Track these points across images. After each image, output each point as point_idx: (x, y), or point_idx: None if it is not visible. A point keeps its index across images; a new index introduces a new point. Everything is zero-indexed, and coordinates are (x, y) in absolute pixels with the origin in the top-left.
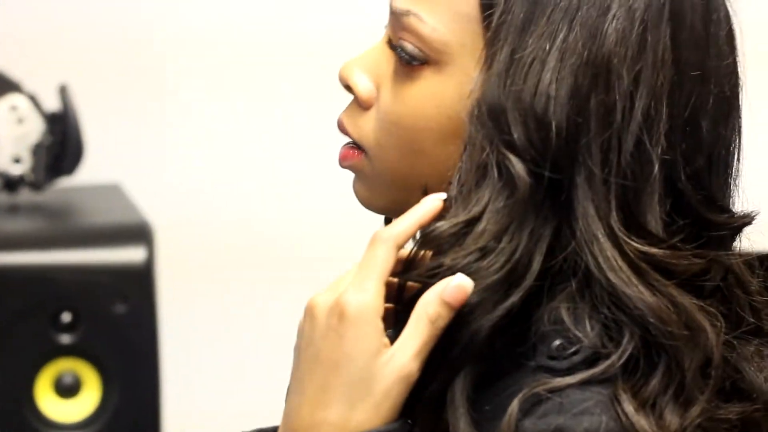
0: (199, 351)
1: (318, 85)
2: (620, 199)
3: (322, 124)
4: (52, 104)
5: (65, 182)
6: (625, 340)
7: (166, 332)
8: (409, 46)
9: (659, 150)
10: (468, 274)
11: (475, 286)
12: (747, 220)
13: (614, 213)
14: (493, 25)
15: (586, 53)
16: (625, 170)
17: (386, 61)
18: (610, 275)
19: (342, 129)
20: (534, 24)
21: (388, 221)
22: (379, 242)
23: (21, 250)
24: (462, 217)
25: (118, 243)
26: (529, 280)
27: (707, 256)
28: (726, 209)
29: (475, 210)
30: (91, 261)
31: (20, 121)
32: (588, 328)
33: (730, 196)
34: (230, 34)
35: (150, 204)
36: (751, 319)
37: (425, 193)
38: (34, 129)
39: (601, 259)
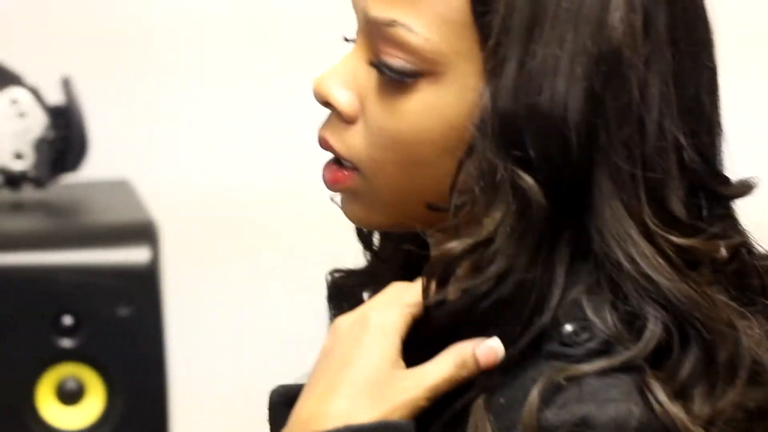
0: (206, 353)
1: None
2: (649, 192)
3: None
4: (54, 97)
5: (73, 178)
6: (649, 331)
7: (173, 335)
8: (396, 63)
9: (676, 133)
10: (488, 309)
11: (499, 323)
12: (748, 188)
13: (646, 207)
14: (494, 32)
15: (596, 50)
16: (651, 161)
17: (365, 72)
18: (651, 272)
19: (326, 146)
20: (539, 29)
21: (359, 232)
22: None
23: (20, 250)
24: (473, 238)
25: (122, 243)
26: (555, 300)
27: (731, 236)
28: (729, 179)
29: (487, 231)
30: (94, 261)
31: (21, 115)
32: (607, 317)
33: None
34: (240, 25)
35: (159, 201)
36: (761, 299)
37: (428, 206)
38: (36, 123)
39: (638, 257)
